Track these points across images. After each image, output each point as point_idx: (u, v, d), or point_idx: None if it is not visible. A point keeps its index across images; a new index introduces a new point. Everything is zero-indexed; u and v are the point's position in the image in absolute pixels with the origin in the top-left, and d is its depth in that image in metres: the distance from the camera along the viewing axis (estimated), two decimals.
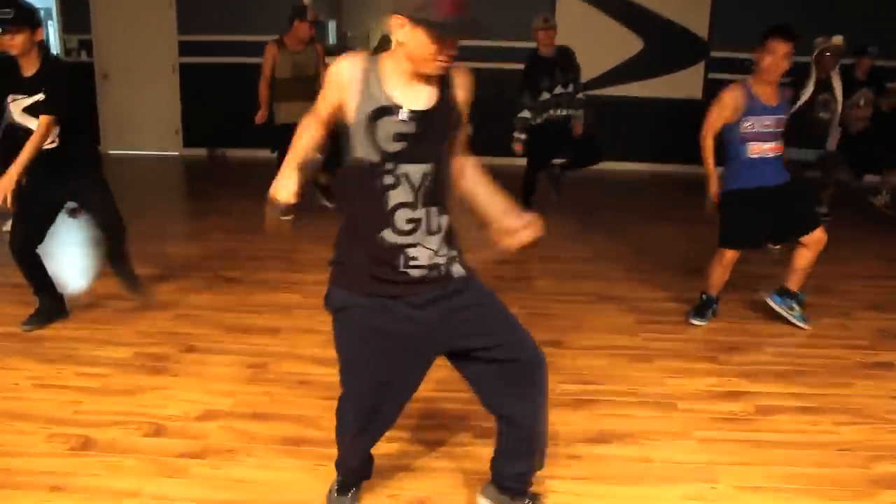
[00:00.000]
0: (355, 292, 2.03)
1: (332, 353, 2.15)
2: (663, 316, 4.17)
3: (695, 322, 4.07)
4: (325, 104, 2.00)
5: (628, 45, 8.73)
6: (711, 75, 8.58)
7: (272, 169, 2.19)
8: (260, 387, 3.23)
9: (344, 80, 1.93)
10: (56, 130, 3.53)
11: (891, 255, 5.69)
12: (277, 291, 4.39)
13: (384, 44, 5.75)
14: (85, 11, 9.15)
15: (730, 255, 4.00)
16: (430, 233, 2.00)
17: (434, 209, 1.99)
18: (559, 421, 3.01)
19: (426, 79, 1.95)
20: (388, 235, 1.97)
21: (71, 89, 3.58)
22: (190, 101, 9.36)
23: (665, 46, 8.68)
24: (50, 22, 10.46)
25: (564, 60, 5.99)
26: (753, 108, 3.80)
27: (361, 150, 1.93)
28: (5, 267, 4.07)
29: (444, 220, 2.03)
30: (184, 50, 9.20)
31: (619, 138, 8.55)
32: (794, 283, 4.09)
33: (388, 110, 1.91)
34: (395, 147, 1.92)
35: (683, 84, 8.68)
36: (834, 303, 4.50)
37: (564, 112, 5.96)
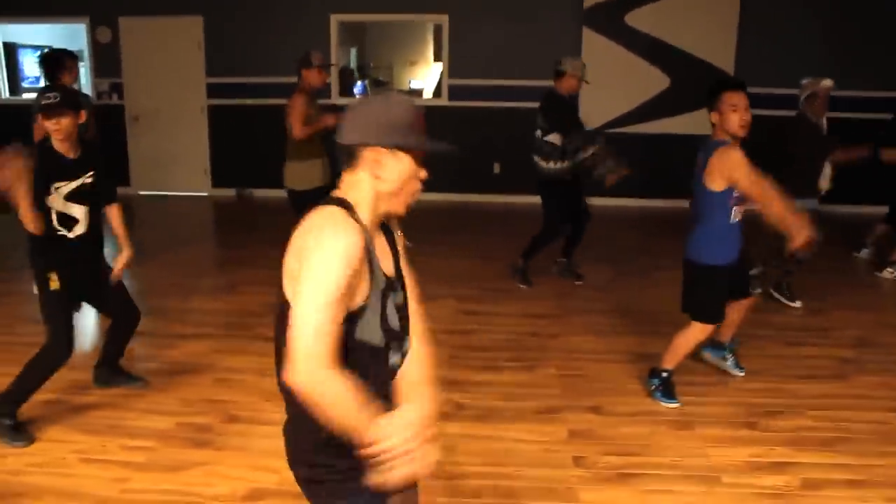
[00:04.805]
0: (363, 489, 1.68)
1: None
2: (701, 376, 4.14)
3: (671, 405, 3.83)
4: (344, 288, 1.54)
5: (655, 82, 8.75)
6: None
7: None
8: None
9: (360, 255, 1.58)
10: (87, 212, 3.49)
11: None
12: None
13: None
14: (116, 55, 9.31)
15: (713, 329, 3.84)
16: None
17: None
18: (605, 498, 3.02)
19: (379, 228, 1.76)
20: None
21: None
22: (218, 142, 9.49)
23: (691, 83, 8.68)
24: (82, 65, 10.65)
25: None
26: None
27: (368, 332, 1.67)
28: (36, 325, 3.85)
29: None
30: (212, 92, 9.34)
31: (647, 176, 8.55)
32: (725, 336, 4.14)
33: (392, 284, 1.74)
34: (400, 324, 1.77)
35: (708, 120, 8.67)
36: (877, 358, 4.45)
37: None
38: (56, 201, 3.37)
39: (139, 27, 9.23)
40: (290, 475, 1.81)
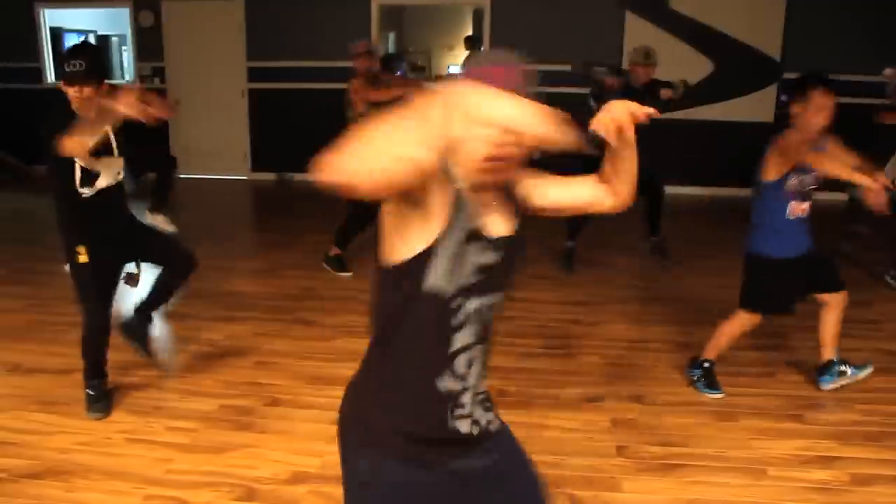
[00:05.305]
0: (387, 457, 1.64)
1: None
2: (745, 367, 4.08)
3: (714, 396, 3.78)
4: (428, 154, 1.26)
5: (700, 67, 8.60)
6: (784, 98, 8.40)
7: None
8: None
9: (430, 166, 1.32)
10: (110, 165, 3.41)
11: None
12: (357, 337, 4.40)
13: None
14: (158, 39, 9.40)
15: (757, 320, 3.74)
16: (481, 376, 1.69)
17: (487, 346, 1.67)
18: (648, 488, 2.99)
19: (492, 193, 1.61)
20: (445, 382, 1.62)
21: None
22: (258, 126, 9.54)
23: (737, 69, 8.53)
24: (124, 48, 10.80)
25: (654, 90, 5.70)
26: (802, 163, 3.41)
27: (434, 279, 1.53)
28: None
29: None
30: (253, 75, 9.38)
31: (689, 161, 8.45)
32: (829, 354, 3.81)
33: (478, 235, 1.55)
34: (474, 279, 1.57)
35: (754, 107, 8.52)
36: None
37: None
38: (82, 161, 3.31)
39: (181, 11, 9.30)
40: (332, 458, 1.82)
